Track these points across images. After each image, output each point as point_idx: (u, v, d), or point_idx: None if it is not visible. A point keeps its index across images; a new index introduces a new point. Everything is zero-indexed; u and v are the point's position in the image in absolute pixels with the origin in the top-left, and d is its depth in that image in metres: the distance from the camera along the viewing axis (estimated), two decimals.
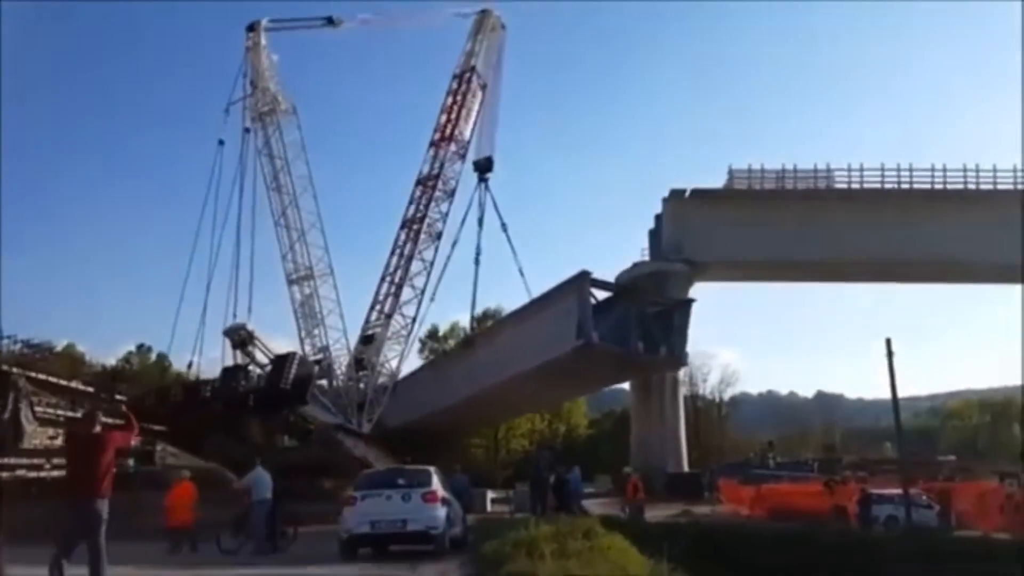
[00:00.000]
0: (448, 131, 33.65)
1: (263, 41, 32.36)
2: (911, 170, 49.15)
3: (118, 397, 43.26)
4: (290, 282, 31.76)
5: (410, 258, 32.36)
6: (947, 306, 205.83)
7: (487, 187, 35.08)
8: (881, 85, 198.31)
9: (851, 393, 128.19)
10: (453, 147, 33.69)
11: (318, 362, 30.85)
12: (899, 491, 25.98)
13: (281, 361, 28.24)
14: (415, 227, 32.65)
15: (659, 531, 17.70)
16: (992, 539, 22.09)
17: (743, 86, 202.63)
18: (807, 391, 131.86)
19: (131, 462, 43.42)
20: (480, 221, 34.74)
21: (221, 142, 31.38)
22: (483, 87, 35.15)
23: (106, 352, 69.64)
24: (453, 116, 33.92)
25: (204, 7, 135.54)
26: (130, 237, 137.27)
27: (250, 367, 29.65)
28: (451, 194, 33.43)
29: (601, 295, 28.01)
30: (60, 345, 57.12)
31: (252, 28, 32.78)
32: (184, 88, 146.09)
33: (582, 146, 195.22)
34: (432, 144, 33.71)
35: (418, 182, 33.36)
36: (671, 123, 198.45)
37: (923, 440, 67.09)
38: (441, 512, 13.60)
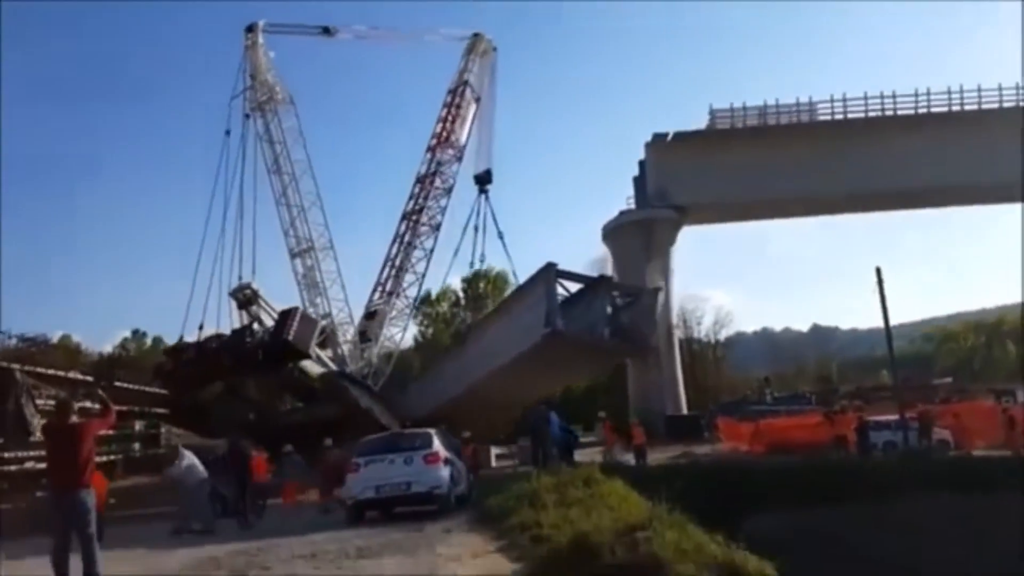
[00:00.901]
0: (444, 136, 36.04)
1: (260, 40, 34.35)
2: (895, 96, 48.80)
3: (117, 384, 43.65)
4: (292, 256, 33.56)
5: (411, 245, 34.62)
6: (937, 231, 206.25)
7: (487, 198, 37.09)
8: (859, 11, 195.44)
9: (846, 325, 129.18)
10: (450, 151, 36.07)
11: (322, 331, 31.86)
12: (895, 417, 26.46)
13: (284, 315, 29.05)
14: (414, 218, 34.96)
15: (660, 474, 18.05)
16: (991, 457, 22.64)
17: (720, 23, 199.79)
18: (802, 326, 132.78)
19: (136, 446, 43.85)
20: (478, 228, 36.51)
21: (227, 132, 33.08)
22: (477, 99, 37.55)
23: (101, 340, 69.45)
24: (449, 123, 36.36)
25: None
26: (116, 224, 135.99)
27: (255, 326, 30.62)
28: (449, 191, 35.74)
29: (574, 287, 28.89)
30: (55, 337, 57.18)
31: (251, 29, 34.85)
32: (177, 78, 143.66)
33: (561, 97, 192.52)
34: (429, 149, 35.97)
35: (417, 180, 35.64)
36: (649, 67, 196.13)
37: (919, 365, 67.87)
38: (444, 472, 13.75)
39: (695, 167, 47.77)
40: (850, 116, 49.25)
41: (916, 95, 48.62)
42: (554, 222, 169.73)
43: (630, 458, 24.43)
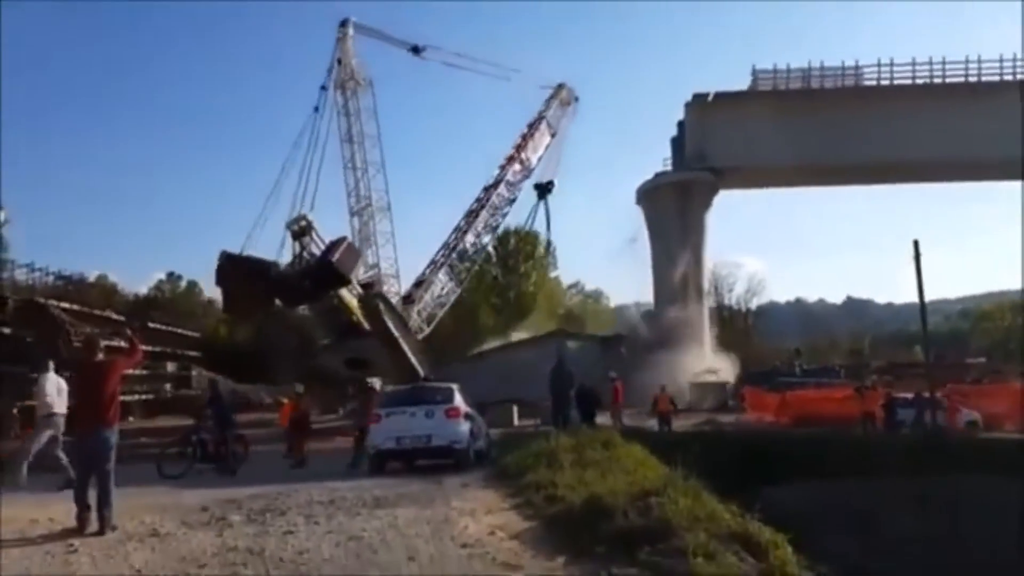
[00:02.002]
0: (516, 155, 39.32)
1: (351, 33, 37.41)
2: (944, 63, 47.31)
3: (151, 325, 44.51)
4: (351, 214, 36.24)
5: (466, 232, 38.03)
6: (980, 206, 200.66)
7: (547, 204, 41.12)
8: None
9: (880, 298, 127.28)
10: (519, 167, 39.39)
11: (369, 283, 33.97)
12: (925, 394, 26.05)
13: (333, 243, 29.99)
14: (473, 218, 38.25)
15: (681, 440, 18.01)
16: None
17: None
18: (836, 298, 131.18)
19: (168, 387, 44.86)
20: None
21: (316, 109, 34.98)
22: (552, 135, 41.26)
23: (137, 281, 70.85)
24: (522, 149, 39.86)
25: None
26: (155, 165, 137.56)
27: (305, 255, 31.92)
28: (511, 201, 39.47)
29: None
30: (92, 276, 58.35)
31: (344, 24, 38.04)
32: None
33: (600, 53, 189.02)
34: (501, 167, 39.32)
35: (485, 188, 38.89)
36: (692, 26, 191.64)
37: (954, 343, 66.76)
38: (464, 427, 13.89)
39: (735, 129, 46.84)
40: (897, 82, 47.82)
41: (966, 62, 47.11)
42: (588, 185, 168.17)
43: (654, 424, 24.44)
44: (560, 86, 42.42)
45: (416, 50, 39.59)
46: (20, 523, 7.32)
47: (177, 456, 14.77)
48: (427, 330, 36.42)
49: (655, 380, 27.81)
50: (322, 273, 29.29)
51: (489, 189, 38.96)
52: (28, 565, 5.86)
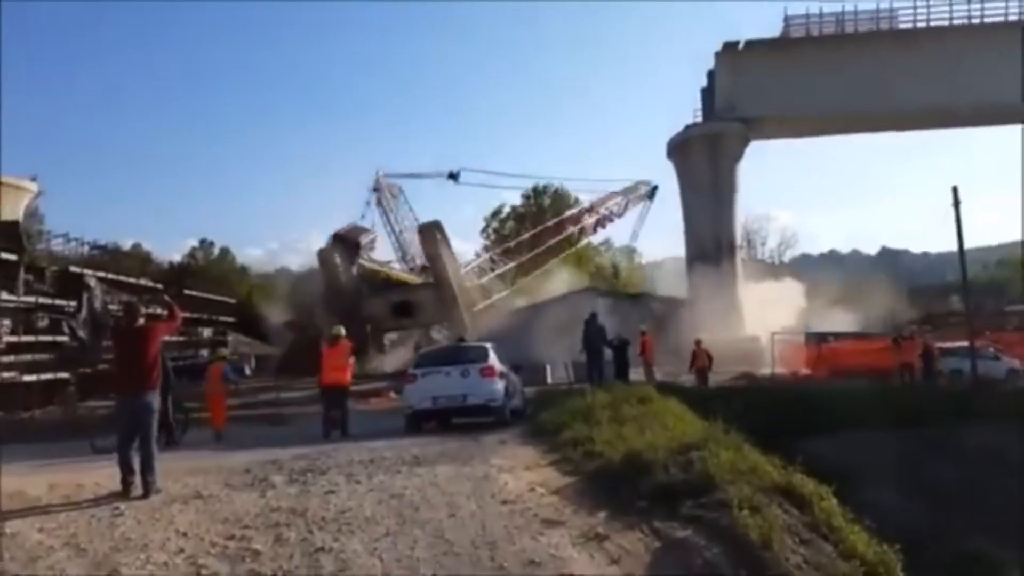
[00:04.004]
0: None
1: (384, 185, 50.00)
2: (983, 2, 45.57)
3: (186, 292, 45.14)
4: None
5: None
6: (1018, 150, 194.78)
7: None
8: None
9: (916, 248, 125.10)
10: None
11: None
12: (964, 344, 25.60)
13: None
14: None
15: (717, 395, 17.92)
16: None
17: None
18: (871, 248, 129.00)
19: (204, 353, 45.67)
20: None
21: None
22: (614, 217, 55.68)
23: (171, 249, 71.63)
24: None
25: None
26: (187, 133, 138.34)
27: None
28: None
29: None
30: (127, 245, 59.22)
31: (376, 188, 49.72)
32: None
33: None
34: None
35: None
36: None
37: (993, 292, 65.35)
38: (499, 386, 13.91)
39: (767, 78, 45.79)
40: (933, 24, 46.27)
41: (1007, 1, 45.34)
42: (616, 138, 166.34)
43: (688, 379, 24.32)
44: (640, 183, 53.91)
45: (453, 177, 48.60)
46: (67, 488, 7.45)
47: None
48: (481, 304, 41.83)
49: (689, 336, 27.56)
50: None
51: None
52: (75, 529, 5.94)
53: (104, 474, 7.71)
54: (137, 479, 7.19)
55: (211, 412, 15.84)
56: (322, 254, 44.99)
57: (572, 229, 52.32)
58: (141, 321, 7.80)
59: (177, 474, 8.09)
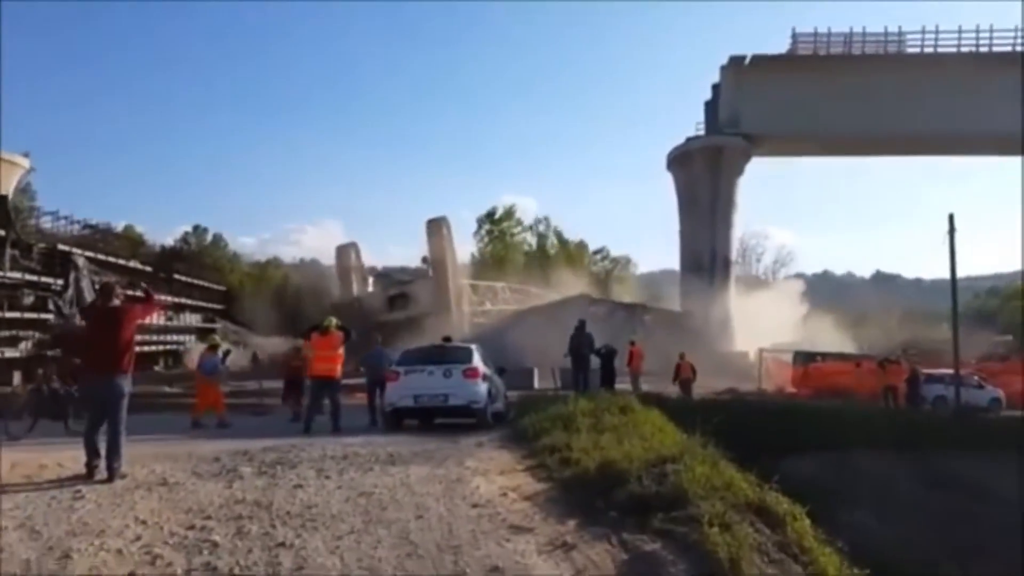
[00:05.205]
0: None
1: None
2: (991, 31, 45.85)
3: (176, 276, 44.91)
4: None
5: None
6: (1015, 180, 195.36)
7: None
8: None
9: (909, 273, 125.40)
10: None
11: None
12: (949, 371, 25.64)
13: None
14: None
15: (700, 408, 17.81)
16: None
17: None
18: (864, 272, 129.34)
19: (192, 338, 45.30)
20: None
21: None
22: None
23: (163, 233, 71.55)
24: None
25: None
26: (188, 120, 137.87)
27: None
28: None
29: None
30: (119, 226, 58.92)
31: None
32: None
33: (633, 10, 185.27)
34: None
35: None
36: None
37: (982, 321, 65.60)
38: (482, 387, 13.79)
39: (771, 94, 45.96)
40: (941, 50, 46.46)
41: (1016, 30, 45.72)
42: (618, 146, 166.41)
43: (674, 391, 24.27)
44: None
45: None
46: (28, 468, 7.30)
47: (20, 413, 13.10)
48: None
49: (678, 349, 27.55)
50: None
51: None
52: (32, 510, 5.81)
53: (68, 455, 7.57)
54: (103, 462, 7.04)
55: (199, 399, 15.78)
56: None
57: None
58: (117, 301, 7.59)
59: (145, 460, 7.95)
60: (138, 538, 5.33)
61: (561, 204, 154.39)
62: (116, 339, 7.24)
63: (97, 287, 27.63)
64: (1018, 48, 45.81)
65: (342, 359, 14.21)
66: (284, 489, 6.82)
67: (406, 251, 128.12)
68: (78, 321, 29.21)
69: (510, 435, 11.47)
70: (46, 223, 42.03)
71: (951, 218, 24.82)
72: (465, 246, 65.46)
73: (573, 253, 74.36)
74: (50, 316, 30.82)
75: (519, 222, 71.29)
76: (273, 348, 42.99)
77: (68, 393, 13.14)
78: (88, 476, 6.94)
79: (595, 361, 20.62)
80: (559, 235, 74.51)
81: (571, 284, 54.24)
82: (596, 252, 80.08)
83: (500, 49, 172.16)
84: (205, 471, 7.62)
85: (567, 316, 29.21)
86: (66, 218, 42.36)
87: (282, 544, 5.29)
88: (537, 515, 6.33)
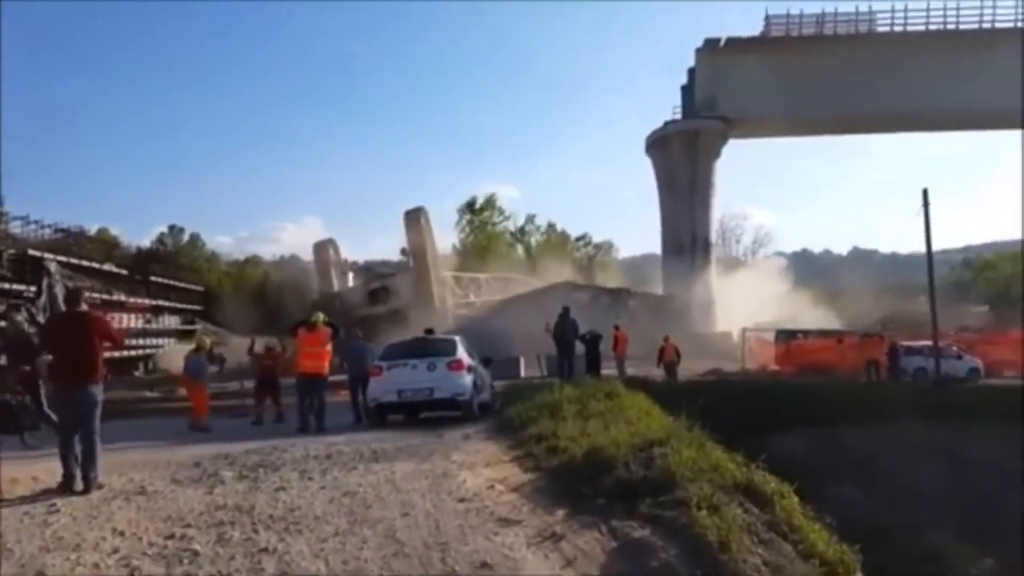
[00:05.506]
0: None
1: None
2: (958, 10, 46.23)
3: (153, 279, 44.31)
4: None
5: None
6: (983, 155, 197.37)
7: None
8: None
9: (885, 248, 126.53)
10: None
11: None
12: (928, 343, 25.93)
13: None
14: None
15: (686, 390, 17.83)
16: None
17: None
18: (842, 248, 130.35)
19: (171, 341, 44.81)
20: None
21: None
22: None
23: (139, 234, 70.82)
24: None
25: None
26: (160, 116, 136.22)
27: None
28: None
29: None
30: (93, 229, 58.09)
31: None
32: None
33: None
34: None
35: None
36: None
37: (958, 293, 66.36)
38: (467, 379, 13.68)
39: (746, 76, 46.16)
40: (910, 28, 46.81)
41: (981, 8, 45.97)
42: (597, 132, 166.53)
43: (659, 374, 24.35)
44: None
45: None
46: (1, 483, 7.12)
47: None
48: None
49: (662, 332, 27.60)
50: None
51: None
52: (4, 527, 5.64)
53: (43, 468, 7.39)
54: (79, 473, 6.87)
55: (194, 403, 15.68)
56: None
57: None
58: (84, 307, 7.36)
59: (123, 468, 7.80)
60: (115, 551, 5.18)
61: (542, 192, 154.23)
62: (86, 347, 7.02)
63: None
64: (984, 25, 46.21)
65: (330, 356, 14.02)
66: (266, 492, 6.70)
67: (388, 244, 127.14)
68: (27, 328, 28.73)
69: (496, 426, 11.42)
70: (15, 228, 41.09)
71: (925, 193, 25.10)
72: (448, 237, 65.18)
73: (556, 240, 74.37)
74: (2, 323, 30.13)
75: (501, 211, 71.07)
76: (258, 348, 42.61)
77: (21, 404, 12.29)
78: (63, 488, 6.76)
79: (580, 347, 20.57)
80: (547, 226, 74.97)
81: (554, 271, 54.17)
82: (579, 239, 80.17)
83: (477, 37, 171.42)
84: (185, 477, 7.48)
85: (551, 303, 29.19)
86: (37, 222, 41.42)
87: (265, 549, 5.17)
88: (525, 507, 6.25)
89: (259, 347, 17.53)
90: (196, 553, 5.10)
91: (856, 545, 6.03)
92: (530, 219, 73.03)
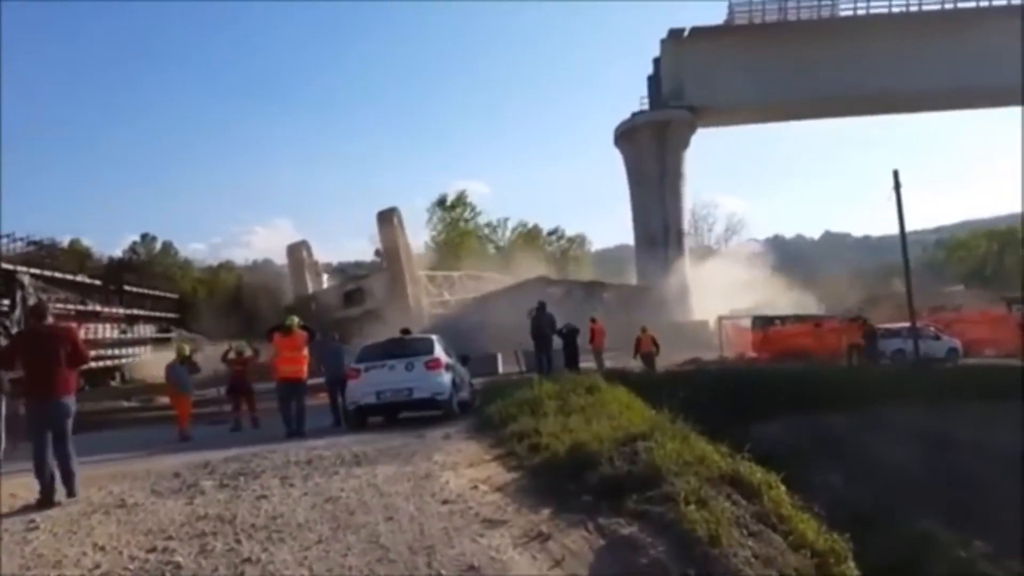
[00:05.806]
0: None
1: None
2: None
3: (127, 288, 43.72)
4: None
5: None
6: (950, 135, 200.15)
7: None
8: None
9: (857, 231, 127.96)
10: None
11: None
12: (905, 324, 26.15)
13: None
14: None
15: (666, 381, 17.88)
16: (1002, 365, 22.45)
17: None
18: (814, 233, 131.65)
19: (147, 349, 44.19)
20: None
21: None
22: None
23: (111, 245, 69.93)
24: None
25: None
26: (125, 125, 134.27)
27: None
28: None
29: None
30: (65, 241, 57.20)
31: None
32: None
33: None
34: None
35: None
36: None
37: (932, 273, 67.23)
38: (445, 378, 13.60)
39: (712, 65, 46.39)
40: (873, 11, 47.32)
41: None
42: (565, 125, 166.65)
43: (637, 365, 24.36)
44: None
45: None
46: None
47: None
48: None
49: (638, 323, 27.64)
50: None
51: None
52: None
53: (19, 483, 7.23)
54: (59, 487, 6.73)
55: (179, 411, 15.47)
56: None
57: None
58: (51, 319, 7.23)
59: (102, 480, 7.66)
60: (97, 566, 5.08)
61: (512, 186, 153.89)
62: (57, 358, 6.89)
63: (53, 305, 26.83)
64: (947, 7, 46.79)
65: (307, 359, 13.87)
66: (247, 501, 6.61)
67: (361, 244, 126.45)
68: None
69: (477, 424, 11.35)
70: None
71: (896, 174, 25.28)
72: (420, 235, 64.89)
73: (528, 235, 74.37)
74: None
75: (472, 208, 70.93)
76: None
77: None
78: (42, 504, 6.63)
79: (558, 342, 20.54)
80: (518, 224, 75.11)
81: (528, 266, 54.13)
82: (551, 233, 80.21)
83: (443, 34, 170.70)
84: (165, 488, 7.36)
85: (526, 299, 29.15)
86: (8, 236, 40.69)
87: (248, 559, 5.09)
88: (510, 506, 6.20)
89: (232, 352, 17.28)
90: (179, 566, 5.01)
91: (846, 533, 6.02)
92: (502, 222, 73.27)
